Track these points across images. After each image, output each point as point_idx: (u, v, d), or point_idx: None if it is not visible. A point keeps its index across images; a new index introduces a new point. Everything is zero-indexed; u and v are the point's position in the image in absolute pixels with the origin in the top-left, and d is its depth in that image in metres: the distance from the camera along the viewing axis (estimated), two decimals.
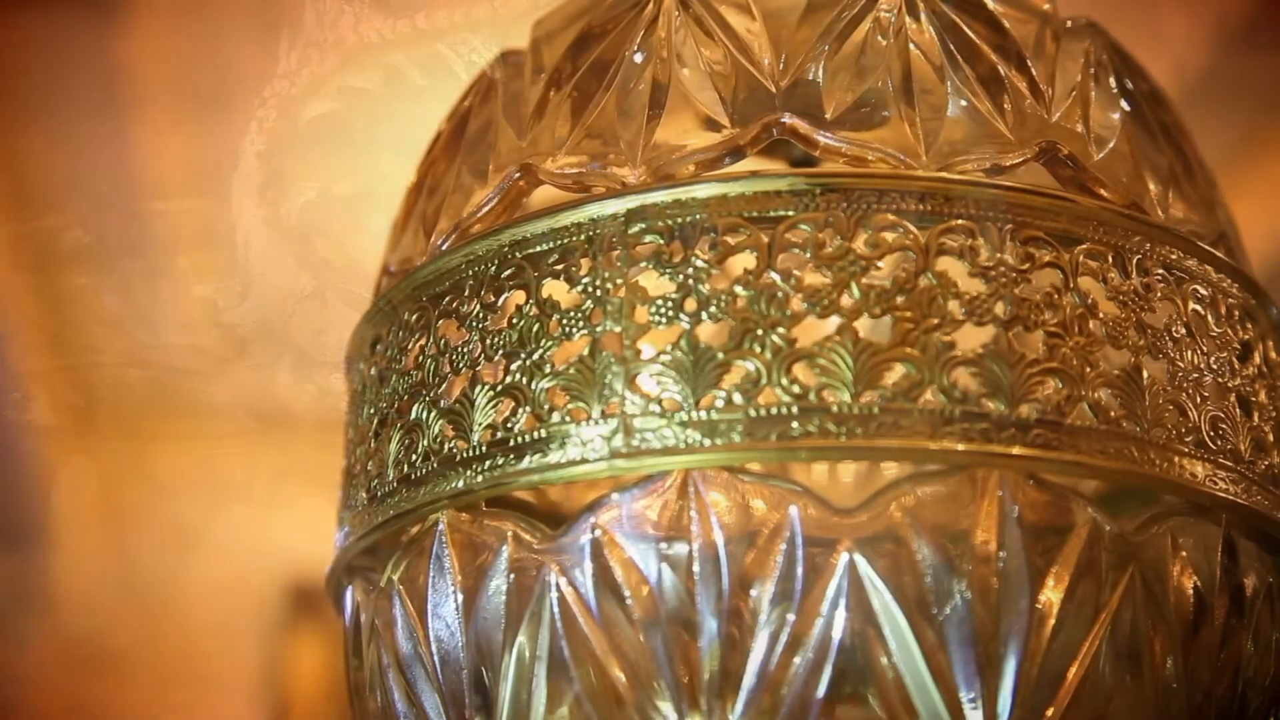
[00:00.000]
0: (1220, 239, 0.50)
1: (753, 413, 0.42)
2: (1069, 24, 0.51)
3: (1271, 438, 0.47)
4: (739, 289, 0.43)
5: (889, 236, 0.44)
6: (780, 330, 0.43)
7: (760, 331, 0.43)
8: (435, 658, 0.46)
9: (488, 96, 0.52)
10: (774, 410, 0.42)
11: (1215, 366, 0.46)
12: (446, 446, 0.46)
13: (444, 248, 0.49)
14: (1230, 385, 0.47)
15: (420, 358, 0.48)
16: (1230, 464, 0.45)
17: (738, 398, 0.42)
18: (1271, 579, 0.47)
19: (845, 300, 0.43)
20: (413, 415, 0.48)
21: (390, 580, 0.48)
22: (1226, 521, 0.45)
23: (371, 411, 0.50)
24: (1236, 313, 0.48)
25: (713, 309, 0.43)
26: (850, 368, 0.42)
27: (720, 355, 0.43)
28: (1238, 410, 0.46)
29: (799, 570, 0.42)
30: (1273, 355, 0.49)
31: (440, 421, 0.46)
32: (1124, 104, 0.50)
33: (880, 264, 0.44)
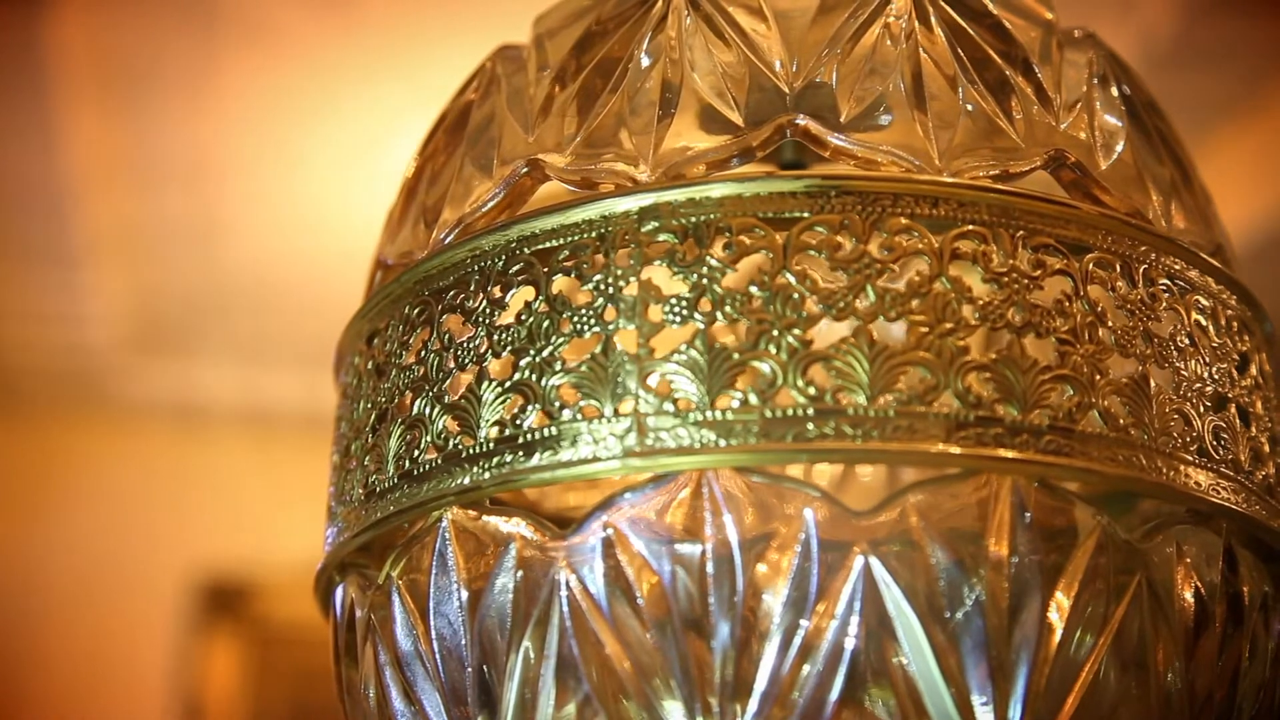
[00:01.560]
0: (1217, 251, 0.51)
1: (768, 414, 0.42)
2: (1075, 33, 0.52)
3: (1267, 448, 0.48)
4: (754, 289, 0.43)
5: (903, 240, 0.44)
6: (796, 332, 0.43)
7: (776, 332, 0.43)
8: (437, 655, 0.45)
9: (490, 90, 0.52)
10: (790, 412, 0.42)
11: (1217, 377, 0.47)
12: (451, 442, 0.45)
13: (447, 241, 0.49)
14: (1230, 395, 0.47)
15: (423, 353, 0.48)
16: (1231, 473, 0.46)
17: (753, 398, 0.42)
18: (1267, 588, 0.47)
19: (861, 303, 0.43)
20: (415, 410, 0.47)
21: (389, 577, 0.47)
22: (1226, 530, 0.46)
23: (369, 406, 0.50)
24: (1235, 324, 0.49)
25: (727, 309, 0.43)
26: (866, 371, 0.42)
27: (736, 355, 0.43)
28: (1238, 420, 0.47)
29: (814, 573, 0.42)
30: (1266, 368, 0.50)
31: (445, 417, 0.46)
32: (1126, 113, 0.50)
33: (895, 267, 0.44)
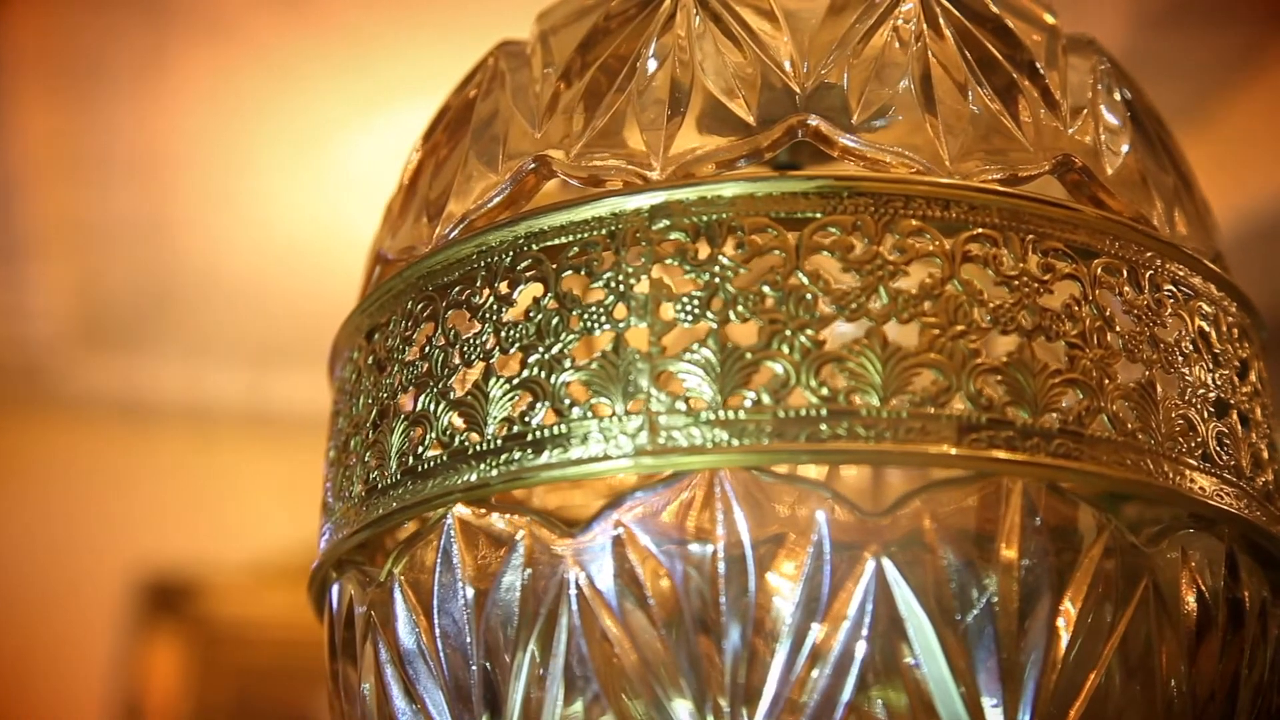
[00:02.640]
0: (1217, 258, 0.51)
1: (781, 414, 0.42)
2: (1076, 38, 0.52)
3: (1266, 455, 0.48)
4: (767, 289, 0.43)
5: (916, 242, 0.44)
6: (808, 332, 0.43)
7: (789, 332, 0.43)
8: (442, 654, 0.45)
9: (493, 86, 0.52)
10: (803, 412, 0.42)
11: (1219, 383, 0.47)
12: (458, 439, 0.45)
13: (452, 237, 0.48)
14: (1232, 401, 0.47)
15: (427, 348, 0.47)
16: (1233, 479, 0.46)
17: (766, 398, 0.42)
18: (1265, 593, 0.48)
19: (874, 304, 0.43)
20: (418, 406, 0.47)
21: (391, 574, 0.47)
22: (1228, 535, 0.46)
23: (369, 401, 0.49)
24: (1235, 331, 0.49)
25: (740, 308, 0.43)
26: (879, 372, 0.42)
27: (749, 355, 0.43)
28: (1239, 426, 0.47)
29: (826, 574, 0.42)
30: (1264, 374, 0.50)
31: (450, 413, 0.46)
32: (1130, 119, 0.50)
33: (907, 269, 0.44)
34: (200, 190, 2.80)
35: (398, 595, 0.46)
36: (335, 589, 0.50)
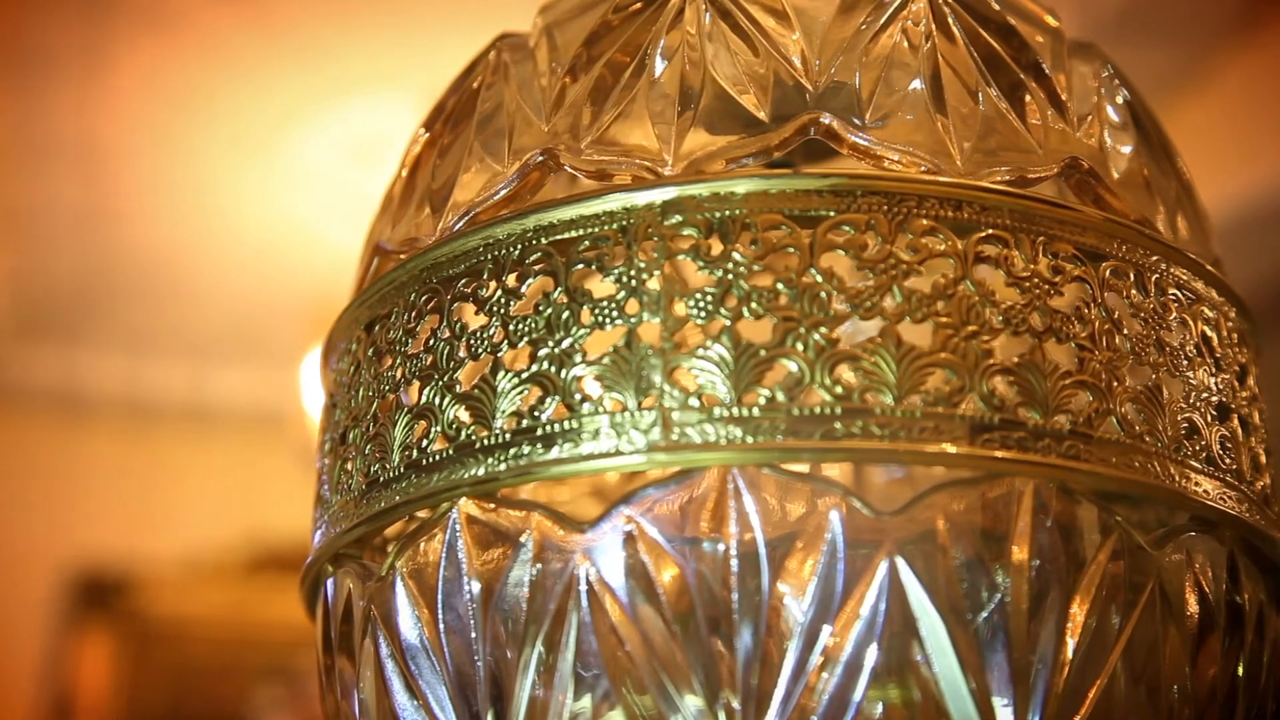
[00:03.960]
0: (1216, 264, 0.51)
1: (796, 411, 0.42)
2: (1078, 42, 0.52)
3: (1264, 459, 0.49)
4: (781, 286, 0.43)
5: (929, 242, 0.44)
6: (822, 330, 0.43)
7: (803, 330, 0.43)
8: (446, 649, 0.45)
9: (496, 78, 0.51)
10: (817, 410, 0.42)
11: (1221, 387, 0.47)
12: (464, 433, 0.45)
13: (457, 228, 0.48)
14: (1233, 406, 0.48)
15: (431, 341, 0.47)
16: (1235, 482, 0.46)
17: (780, 396, 0.42)
18: (1263, 597, 0.48)
19: (888, 303, 0.43)
20: (423, 400, 0.46)
21: (393, 568, 0.46)
22: (1229, 538, 0.47)
23: (369, 394, 0.49)
24: (1235, 336, 0.49)
25: (754, 305, 0.43)
26: (894, 371, 0.42)
27: (762, 352, 0.42)
28: (1240, 430, 0.48)
29: (839, 573, 0.42)
30: (1260, 380, 0.51)
31: (457, 407, 0.45)
32: (1133, 124, 0.51)
33: (921, 268, 0.44)
34: (143, 182, 2.78)
35: (400, 590, 0.46)
36: (330, 583, 0.50)
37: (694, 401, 0.42)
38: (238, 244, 2.87)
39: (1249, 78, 2.30)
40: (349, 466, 0.49)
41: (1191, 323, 0.47)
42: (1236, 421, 0.48)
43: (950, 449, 0.42)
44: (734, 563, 0.42)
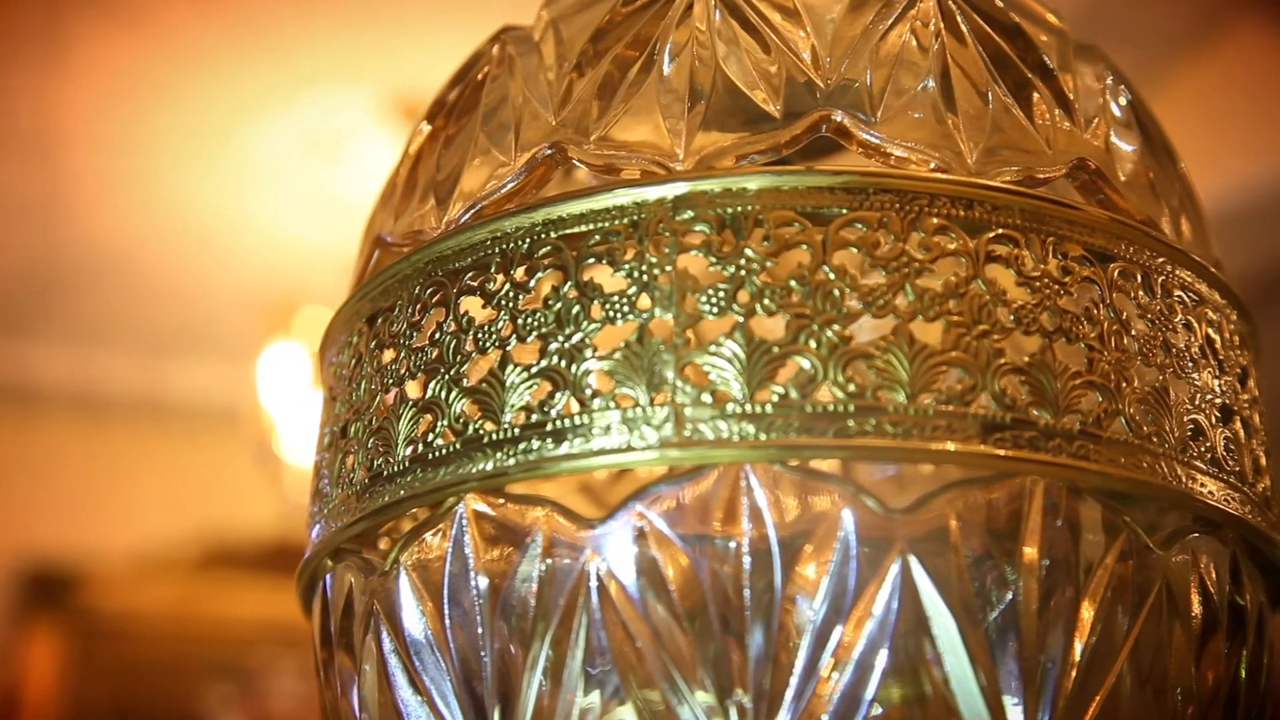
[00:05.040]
0: (1217, 267, 0.52)
1: (809, 409, 0.42)
2: (1083, 45, 0.52)
3: (1264, 461, 0.49)
4: (794, 283, 0.43)
5: (941, 241, 0.44)
6: (835, 327, 0.43)
7: (816, 327, 0.42)
8: (452, 645, 0.44)
9: (501, 72, 0.51)
10: (830, 407, 0.42)
11: (1224, 389, 0.48)
12: (472, 427, 0.44)
13: (463, 221, 0.48)
14: (1235, 408, 0.48)
15: (437, 334, 0.46)
16: (1238, 484, 0.47)
17: (793, 393, 0.42)
18: (1263, 599, 0.48)
19: (900, 301, 0.43)
20: (428, 393, 0.46)
21: (397, 563, 0.46)
22: (1231, 540, 0.47)
23: (371, 387, 0.48)
24: (1237, 338, 0.50)
25: (766, 302, 0.43)
26: (906, 369, 0.42)
27: (775, 349, 0.42)
28: (1242, 432, 0.48)
29: (852, 571, 0.42)
30: (1260, 382, 0.51)
31: (464, 401, 0.45)
32: (1136, 124, 0.51)
33: (933, 267, 0.44)
34: (96, 172, 2.75)
35: (405, 585, 0.46)
36: (329, 577, 0.49)
37: (706, 397, 0.42)
38: (193, 237, 2.85)
39: (1206, 88, 2.32)
40: (350, 460, 0.48)
41: (1196, 325, 0.48)
42: (1239, 424, 0.48)
43: (962, 448, 0.42)
44: (746, 560, 0.42)
